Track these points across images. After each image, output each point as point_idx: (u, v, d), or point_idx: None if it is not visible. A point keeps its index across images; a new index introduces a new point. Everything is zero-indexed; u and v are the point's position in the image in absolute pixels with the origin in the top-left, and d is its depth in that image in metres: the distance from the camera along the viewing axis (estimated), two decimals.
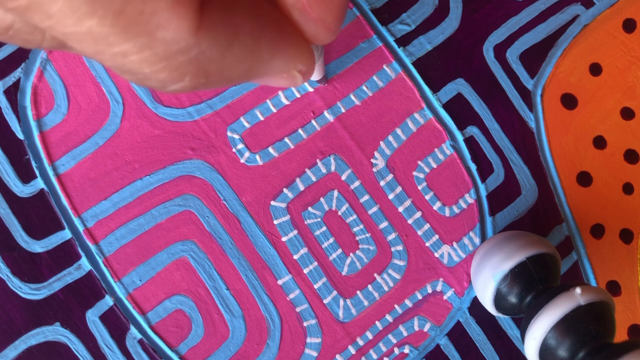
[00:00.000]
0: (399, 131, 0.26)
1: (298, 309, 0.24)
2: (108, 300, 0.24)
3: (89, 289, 0.24)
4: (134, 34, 0.12)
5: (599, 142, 0.27)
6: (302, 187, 0.25)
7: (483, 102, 0.26)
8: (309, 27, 0.15)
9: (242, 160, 0.25)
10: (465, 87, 0.26)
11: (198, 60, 0.13)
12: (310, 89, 0.26)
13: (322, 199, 0.25)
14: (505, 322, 0.25)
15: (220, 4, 0.13)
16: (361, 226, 0.25)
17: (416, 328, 0.25)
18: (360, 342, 0.25)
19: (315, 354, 0.24)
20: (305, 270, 0.25)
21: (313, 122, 0.25)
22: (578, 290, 0.20)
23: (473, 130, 0.26)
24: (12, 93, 0.24)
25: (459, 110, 0.26)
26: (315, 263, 0.25)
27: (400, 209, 0.25)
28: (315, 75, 0.24)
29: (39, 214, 0.24)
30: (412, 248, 0.25)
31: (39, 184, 0.24)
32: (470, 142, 0.26)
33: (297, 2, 0.15)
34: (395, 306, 0.25)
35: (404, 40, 0.26)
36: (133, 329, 0.24)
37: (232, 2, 0.13)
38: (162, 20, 0.11)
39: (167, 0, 0.11)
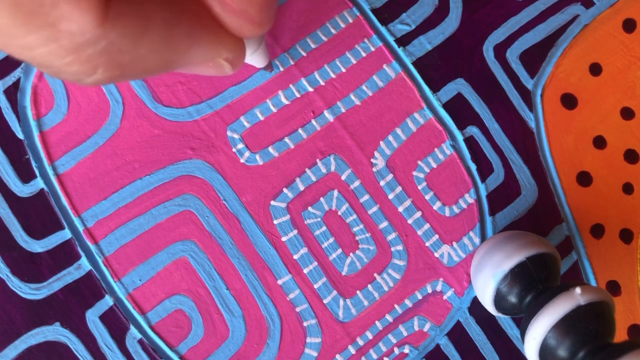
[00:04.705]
0: (399, 131, 0.26)
1: (298, 309, 0.24)
2: (108, 300, 0.24)
3: (88, 288, 0.24)
4: (36, 26, 0.11)
5: (599, 142, 0.27)
6: (302, 187, 0.25)
7: (483, 102, 0.26)
8: (230, 19, 0.15)
9: (242, 160, 0.25)
10: (465, 87, 0.26)
11: (108, 52, 0.12)
12: (310, 89, 0.26)
13: (322, 199, 0.25)
14: (505, 322, 0.25)
15: None
16: (361, 226, 0.25)
17: (416, 328, 0.25)
18: (360, 342, 0.25)
19: (315, 353, 0.24)
20: (305, 270, 0.25)
21: (313, 121, 0.25)
22: (578, 290, 0.20)
23: (473, 130, 0.26)
24: (12, 93, 0.24)
25: (459, 110, 0.26)
26: (315, 263, 0.25)
27: (400, 209, 0.25)
28: (259, 62, 0.23)
29: (39, 214, 0.24)
30: (412, 248, 0.25)
31: (38, 183, 0.24)
32: (470, 142, 0.26)
33: None
34: (395, 306, 0.25)
35: (404, 40, 0.26)
36: (133, 329, 0.24)
37: None
38: (64, 13, 0.11)
39: None
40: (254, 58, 0.23)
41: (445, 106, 0.26)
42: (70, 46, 0.12)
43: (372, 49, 0.26)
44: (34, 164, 0.24)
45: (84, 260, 0.24)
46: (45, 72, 0.13)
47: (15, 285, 0.23)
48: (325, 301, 0.25)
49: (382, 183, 0.25)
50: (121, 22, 0.12)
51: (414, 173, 0.26)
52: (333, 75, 0.26)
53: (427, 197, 0.26)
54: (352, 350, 0.24)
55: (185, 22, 0.14)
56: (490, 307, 0.23)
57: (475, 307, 0.25)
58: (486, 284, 0.23)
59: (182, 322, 0.24)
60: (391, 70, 0.26)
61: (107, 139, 0.25)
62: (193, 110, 0.25)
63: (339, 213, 0.25)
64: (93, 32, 0.12)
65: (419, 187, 0.26)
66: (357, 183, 0.25)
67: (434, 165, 0.26)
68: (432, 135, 0.26)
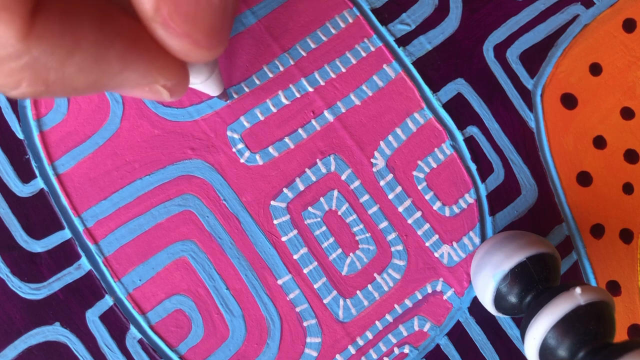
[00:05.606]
0: (398, 131, 0.26)
1: (298, 309, 0.24)
2: (108, 300, 0.24)
3: (88, 288, 0.24)
4: None
5: (599, 142, 0.27)
6: (302, 187, 0.25)
7: (483, 102, 0.26)
8: (174, 43, 0.14)
9: (242, 160, 0.25)
10: (465, 87, 0.26)
11: (32, 68, 0.12)
12: (310, 89, 0.26)
13: (322, 199, 0.25)
14: (505, 322, 0.25)
15: (59, 11, 0.12)
16: (361, 226, 0.25)
17: (416, 328, 0.25)
18: (360, 342, 0.25)
19: (315, 353, 0.24)
20: (305, 270, 0.25)
21: (313, 121, 0.25)
22: (578, 290, 0.20)
23: (473, 130, 0.26)
24: None
25: (459, 110, 0.26)
26: (315, 263, 0.25)
27: (400, 209, 0.25)
28: (213, 91, 0.23)
29: (39, 214, 0.24)
30: (412, 248, 0.25)
31: (38, 183, 0.24)
32: (470, 142, 0.26)
33: (157, 14, 0.13)
34: (395, 306, 0.25)
35: (404, 40, 0.26)
36: (133, 329, 0.24)
37: (75, 9, 0.12)
38: None
39: None
40: (207, 85, 0.22)
41: (445, 106, 0.26)
42: None
43: (372, 49, 0.26)
44: (34, 164, 0.24)
45: (84, 260, 0.24)
46: None
47: (15, 285, 0.23)
48: (325, 301, 0.25)
49: (382, 183, 0.25)
50: (47, 39, 0.12)
51: (414, 173, 0.26)
52: (333, 75, 0.26)
53: (427, 197, 0.26)
54: (352, 350, 0.24)
55: (119, 45, 0.13)
56: (490, 307, 0.23)
57: (475, 307, 0.25)
58: (486, 284, 0.23)
59: (182, 322, 0.24)
60: (391, 70, 0.26)
61: (107, 139, 0.25)
62: (193, 110, 0.25)
63: (339, 213, 0.25)
64: (15, 46, 0.11)
65: (419, 187, 0.26)
66: (357, 183, 0.25)
67: (434, 165, 0.26)
68: (432, 135, 0.26)
